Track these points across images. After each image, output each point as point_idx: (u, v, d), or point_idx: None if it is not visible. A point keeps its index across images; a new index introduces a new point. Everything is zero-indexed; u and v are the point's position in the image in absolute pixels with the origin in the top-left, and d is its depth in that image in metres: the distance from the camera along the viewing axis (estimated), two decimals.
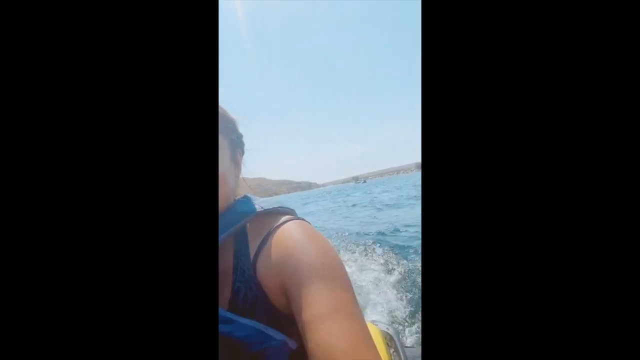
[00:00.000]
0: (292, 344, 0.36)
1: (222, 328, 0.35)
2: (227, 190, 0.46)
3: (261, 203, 0.47)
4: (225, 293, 0.41)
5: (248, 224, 0.45)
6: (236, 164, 0.50)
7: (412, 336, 2.06)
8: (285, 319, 0.39)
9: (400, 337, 0.97)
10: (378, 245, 4.23)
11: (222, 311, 0.37)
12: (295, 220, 0.43)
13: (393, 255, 3.65)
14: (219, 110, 0.48)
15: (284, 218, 0.43)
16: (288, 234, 0.40)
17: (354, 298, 0.35)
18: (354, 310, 0.33)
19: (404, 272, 3.01)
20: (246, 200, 0.48)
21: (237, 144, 0.51)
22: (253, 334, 0.35)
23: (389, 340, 0.95)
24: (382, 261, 3.47)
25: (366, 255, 3.88)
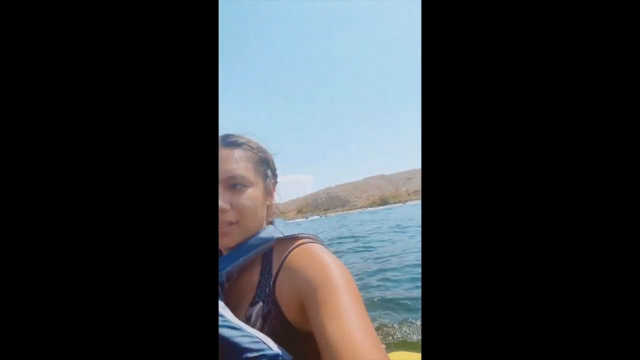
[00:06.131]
0: (286, 357, 0.41)
1: (228, 333, 0.39)
2: (258, 220, 0.57)
3: (287, 227, 0.58)
4: (245, 305, 0.51)
5: (274, 247, 0.56)
6: (269, 193, 0.62)
7: None
8: (293, 334, 0.46)
9: None
10: None
11: (234, 320, 0.42)
12: (308, 243, 0.53)
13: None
14: (261, 148, 0.60)
15: (299, 241, 0.53)
16: (301, 254, 0.50)
17: (362, 304, 0.43)
18: (362, 313, 0.41)
19: None
20: (275, 225, 0.59)
21: (272, 177, 0.63)
22: (252, 342, 0.40)
23: None
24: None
25: None
